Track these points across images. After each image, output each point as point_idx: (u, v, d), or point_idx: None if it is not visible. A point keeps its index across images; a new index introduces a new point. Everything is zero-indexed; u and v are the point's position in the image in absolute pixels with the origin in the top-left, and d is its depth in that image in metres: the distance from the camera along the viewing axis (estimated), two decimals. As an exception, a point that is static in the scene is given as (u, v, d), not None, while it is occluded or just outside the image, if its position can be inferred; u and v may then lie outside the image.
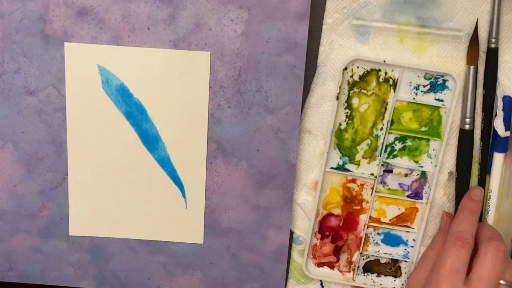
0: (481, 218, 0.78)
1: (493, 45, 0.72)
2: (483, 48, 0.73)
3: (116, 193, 0.76)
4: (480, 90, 0.74)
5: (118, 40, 0.71)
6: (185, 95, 0.73)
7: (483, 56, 0.73)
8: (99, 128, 0.74)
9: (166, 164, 0.75)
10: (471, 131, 0.75)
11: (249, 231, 0.78)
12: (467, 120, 0.74)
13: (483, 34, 0.73)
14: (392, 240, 0.79)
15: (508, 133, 0.74)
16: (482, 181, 0.77)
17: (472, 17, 0.72)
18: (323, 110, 0.75)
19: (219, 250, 0.79)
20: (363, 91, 0.74)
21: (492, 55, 0.73)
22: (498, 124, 0.73)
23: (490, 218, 0.77)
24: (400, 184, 0.77)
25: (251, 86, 0.73)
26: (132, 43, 0.71)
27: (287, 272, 0.81)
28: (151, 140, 0.74)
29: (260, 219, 0.78)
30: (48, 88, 0.73)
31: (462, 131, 0.75)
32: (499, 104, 0.74)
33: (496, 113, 0.74)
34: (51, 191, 0.76)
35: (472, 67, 0.73)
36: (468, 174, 0.76)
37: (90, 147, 0.75)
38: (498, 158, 0.75)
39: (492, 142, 0.75)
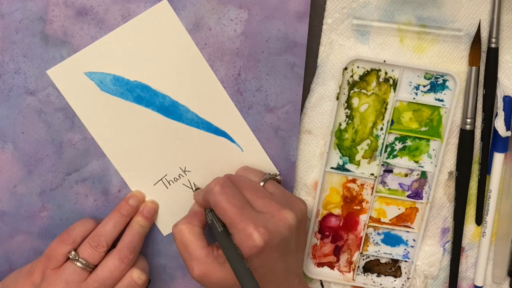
0: (481, 218, 0.78)
1: (493, 45, 0.72)
2: (483, 48, 0.73)
3: (174, 175, 0.76)
4: (480, 90, 0.74)
5: (118, 40, 0.72)
6: (172, 50, 0.72)
7: (483, 56, 0.73)
8: (122, 126, 0.74)
9: (198, 122, 0.74)
10: (472, 132, 0.75)
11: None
12: (468, 120, 0.74)
13: (483, 34, 0.73)
14: (392, 240, 0.79)
15: (508, 133, 0.74)
16: (482, 181, 0.77)
17: (472, 17, 0.72)
18: (323, 110, 0.75)
19: (219, 250, 0.79)
20: (363, 91, 0.74)
21: (492, 55, 0.73)
22: (499, 124, 0.73)
23: (490, 218, 0.77)
24: (400, 184, 0.77)
25: (251, 85, 0.73)
26: (132, 43, 0.72)
27: (287, 272, 0.81)
28: (171, 110, 0.74)
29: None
30: (48, 88, 0.73)
31: (462, 132, 0.75)
32: (500, 104, 0.74)
33: (497, 113, 0.74)
34: (51, 191, 0.76)
35: (473, 68, 0.73)
36: (468, 174, 0.76)
37: (125, 147, 0.75)
38: (498, 158, 0.76)
39: (492, 142, 0.75)
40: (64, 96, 0.73)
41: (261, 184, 0.72)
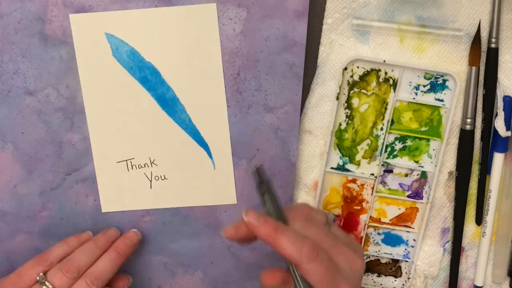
0: (481, 218, 0.78)
1: (493, 45, 0.72)
2: (483, 48, 0.73)
3: (140, 162, 0.76)
4: (480, 90, 0.74)
5: (117, 40, 0.71)
6: (197, 51, 0.71)
7: (483, 56, 0.73)
8: (116, 97, 0.73)
9: (188, 126, 0.74)
10: (472, 132, 0.74)
11: (249, 231, 0.78)
12: (468, 120, 0.74)
13: (483, 34, 0.73)
14: (392, 240, 0.79)
15: (508, 133, 0.74)
16: (482, 181, 0.77)
17: (472, 17, 0.72)
18: (323, 110, 0.75)
19: (220, 249, 0.79)
20: (363, 91, 0.74)
21: (492, 55, 0.73)
22: (499, 124, 0.73)
23: (490, 218, 0.77)
24: (400, 184, 0.77)
25: (250, 85, 0.73)
26: (131, 43, 0.72)
27: (288, 271, 0.81)
28: (169, 103, 0.73)
29: (260, 219, 0.78)
30: (47, 88, 0.73)
31: (462, 132, 0.75)
32: (500, 104, 0.73)
33: (497, 113, 0.74)
34: (52, 191, 0.76)
35: (474, 68, 0.73)
36: (468, 174, 0.76)
37: (109, 118, 0.74)
38: (498, 158, 0.76)
39: (492, 142, 0.75)
40: (75, 45, 0.72)
41: (328, 227, 0.67)
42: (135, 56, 0.72)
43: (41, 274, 0.70)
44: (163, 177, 0.76)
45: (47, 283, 0.69)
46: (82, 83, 0.73)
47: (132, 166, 0.76)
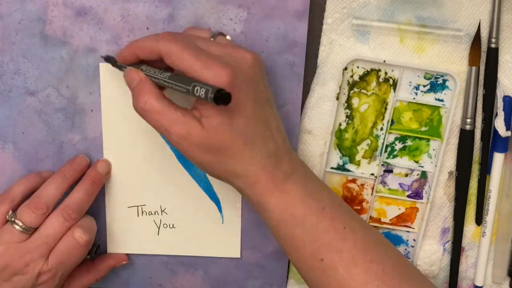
0: (481, 218, 0.78)
1: (493, 45, 0.72)
2: (483, 47, 0.73)
3: (151, 209, 0.77)
4: (480, 90, 0.74)
5: (117, 40, 0.71)
6: None
7: (483, 56, 0.73)
8: (135, 146, 0.74)
9: (202, 180, 0.75)
10: (472, 132, 0.74)
11: (250, 230, 0.78)
12: (468, 120, 0.74)
13: (483, 34, 0.72)
14: (392, 240, 0.79)
15: (508, 133, 0.73)
16: (482, 181, 0.77)
17: (472, 17, 0.72)
18: (323, 110, 0.75)
19: (220, 249, 0.80)
20: (363, 91, 0.74)
21: (492, 55, 0.72)
22: (499, 124, 0.73)
23: (490, 218, 0.77)
24: (400, 184, 0.77)
25: (251, 85, 0.73)
26: (131, 43, 0.71)
27: (288, 271, 0.81)
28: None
29: (261, 219, 0.77)
30: (48, 88, 0.73)
31: (463, 132, 0.75)
32: (500, 104, 0.73)
33: (497, 113, 0.73)
34: (52, 191, 0.76)
35: (474, 68, 0.73)
36: (468, 174, 0.76)
37: (126, 164, 0.75)
38: (498, 158, 0.75)
39: (492, 142, 0.75)
40: (101, 91, 0.72)
41: (211, 39, 0.67)
42: None
43: (10, 212, 0.70)
44: (171, 226, 0.77)
45: (17, 221, 0.69)
46: (103, 128, 0.74)
47: (142, 212, 0.77)
